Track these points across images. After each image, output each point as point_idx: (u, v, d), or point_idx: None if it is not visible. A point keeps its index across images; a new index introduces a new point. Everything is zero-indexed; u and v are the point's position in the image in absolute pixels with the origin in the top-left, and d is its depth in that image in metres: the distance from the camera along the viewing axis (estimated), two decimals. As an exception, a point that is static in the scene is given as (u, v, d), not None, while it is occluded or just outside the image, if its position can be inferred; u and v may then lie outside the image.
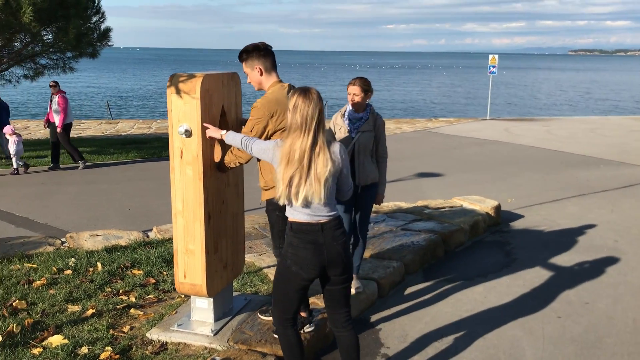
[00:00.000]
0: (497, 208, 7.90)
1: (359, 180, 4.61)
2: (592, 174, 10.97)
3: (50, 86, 11.29)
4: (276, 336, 3.72)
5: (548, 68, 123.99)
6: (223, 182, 3.96)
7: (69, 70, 13.07)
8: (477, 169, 11.82)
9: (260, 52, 3.76)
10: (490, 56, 22.02)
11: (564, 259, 6.36)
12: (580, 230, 7.58)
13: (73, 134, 13.09)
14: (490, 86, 23.01)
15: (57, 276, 5.07)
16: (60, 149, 11.66)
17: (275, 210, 3.88)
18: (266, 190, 3.88)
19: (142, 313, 4.36)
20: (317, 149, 3.04)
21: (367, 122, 4.65)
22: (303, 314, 4.04)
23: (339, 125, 4.64)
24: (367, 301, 4.89)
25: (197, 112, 3.59)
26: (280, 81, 3.86)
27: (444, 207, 7.82)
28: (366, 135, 4.63)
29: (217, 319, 4.10)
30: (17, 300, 4.48)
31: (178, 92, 3.60)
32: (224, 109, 3.91)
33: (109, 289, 4.84)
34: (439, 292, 5.33)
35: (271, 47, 3.82)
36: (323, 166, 3.04)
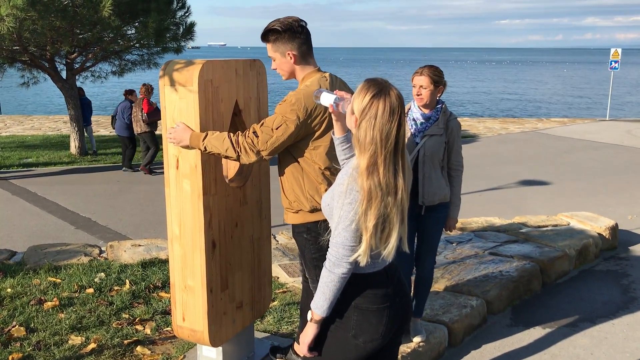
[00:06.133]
0: (614, 228, 6.46)
1: (424, 198, 3.57)
2: None
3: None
4: None
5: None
6: (237, 199, 3.09)
7: (153, 66, 12.89)
8: (591, 177, 10.19)
9: (296, 33, 2.79)
10: (612, 50, 19.69)
11: None
12: None
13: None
14: (612, 83, 20.60)
15: (76, 295, 4.47)
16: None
17: (303, 232, 2.94)
18: (292, 212, 2.96)
19: (149, 352, 3.60)
20: (400, 175, 2.04)
21: (436, 123, 3.59)
22: None
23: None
24: (432, 352, 3.83)
25: (195, 109, 2.74)
26: (319, 70, 2.91)
27: (547, 226, 6.51)
28: (435, 140, 3.57)
29: (229, 371, 3.25)
30: (17, 326, 3.89)
31: (172, 83, 2.77)
32: (239, 105, 3.03)
33: (126, 315, 4.14)
34: (530, 344, 4.15)
35: (306, 23, 2.85)
36: (407, 196, 2.08)
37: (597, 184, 9.70)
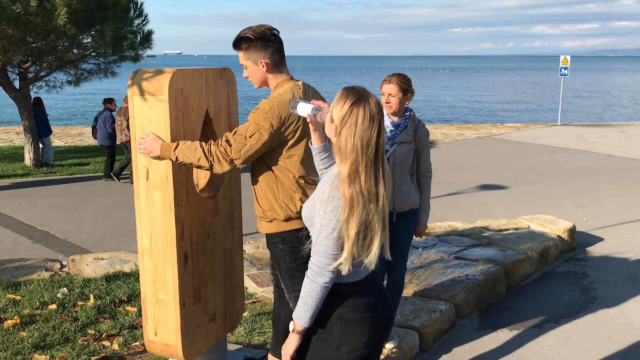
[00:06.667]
0: (572, 230, 6.66)
1: (395, 205, 3.59)
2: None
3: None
4: None
5: (624, 70, 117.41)
6: (208, 210, 3.05)
7: (110, 75, 12.63)
8: (547, 181, 10.49)
9: (268, 41, 2.77)
10: (562, 57, 20.33)
11: (660, 301, 5.10)
12: (677, 260, 6.25)
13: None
14: (562, 89, 21.28)
15: (38, 311, 4.32)
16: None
17: (277, 242, 2.91)
18: (266, 221, 2.93)
19: (117, 369, 3.51)
20: (382, 183, 2.04)
21: (405, 131, 3.63)
22: None
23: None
24: (405, 358, 3.85)
25: (166, 119, 2.70)
26: (292, 78, 2.90)
27: (508, 229, 6.65)
28: (404, 147, 3.61)
29: (203, 385, 3.20)
30: (-25, 347, 3.73)
31: (142, 92, 2.72)
32: (209, 115, 3.00)
33: (92, 331, 4.02)
34: (499, 346, 4.22)
35: (278, 32, 2.84)
36: (388, 203, 2.08)
37: (553, 187, 9.98)
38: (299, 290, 2.83)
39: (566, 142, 15.42)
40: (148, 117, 2.73)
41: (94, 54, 11.75)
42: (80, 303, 4.50)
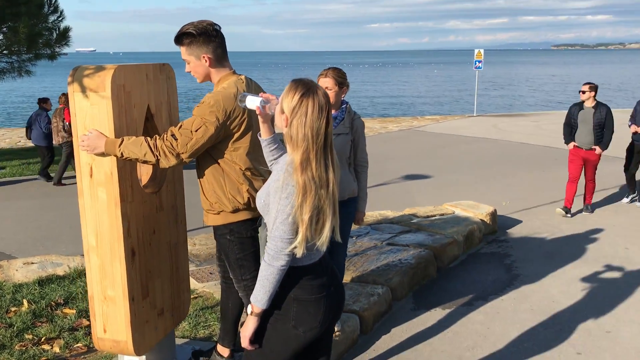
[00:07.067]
0: (493, 214, 7.08)
1: (333, 194, 3.73)
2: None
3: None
4: None
5: (532, 63, 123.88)
6: (153, 205, 3.07)
7: (25, 74, 12.06)
8: (468, 169, 11.01)
9: (211, 36, 2.82)
10: (476, 51, 21.28)
11: (573, 274, 5.54)
12: (586, 237, 6.78)
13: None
14: (477, 82, 22.26)
15: (-32, 320, 4.15)
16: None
17: (225, 234, 2.98)
18: (213, 214, 2.99)
19: (61, 371, 3.46)
20: (332, 170, 2.16)
21: (342, 123, 3.77)
22: (226, 353, 3.29)
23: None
24: (347, 341, 4.01)
25: (109, 116, 2.70)
26: (235, 72, 2.96)
27: (435, 215, 6.98)
28: (341, 139, 3.76)
29: (153, 379, 3.22)
30: None
31: (83, 89, 2.71)
32: (150, 110, 3.02)
33: (30, 336, 3.92)
34: (434, 324, 4.47)
35: (220, 27, 2.90)
36: (338, 188, 2.20)
37: (473, 174, 10.49)
38: (248, 279, 2.93)
39: (482, 131, 16.18)
40: (90, 114, 2.72)
41: (6, 52, 11.19)
42: (13, 309, 4.36)
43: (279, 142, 2.56)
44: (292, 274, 2.21)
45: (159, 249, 3.14)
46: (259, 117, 2.46)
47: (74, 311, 4.31)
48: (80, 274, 5.09)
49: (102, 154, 2.71)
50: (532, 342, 4.17)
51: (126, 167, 2.81)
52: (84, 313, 4.29)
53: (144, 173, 3.15)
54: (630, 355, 4.00)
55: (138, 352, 2.97)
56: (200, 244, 5.88)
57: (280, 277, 2.16)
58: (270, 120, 2.47)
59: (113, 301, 2.89)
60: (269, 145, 2.55)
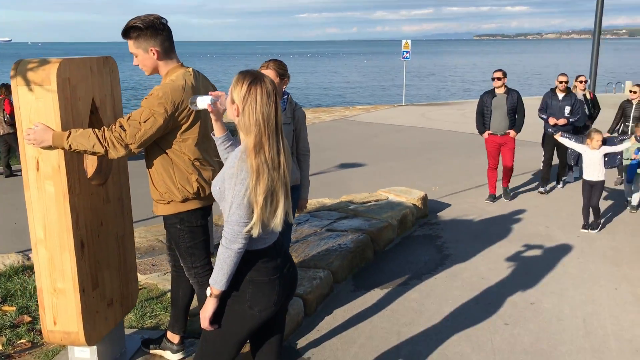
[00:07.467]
0: (424, 199, 7.42)
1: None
2: (513, 157, 10.74)
3: None
4: None
5: (456, 52, 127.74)
6: (100, 197, 3.10)
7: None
8: (399, 156, 11.39)
9: (158, 30, 2.88)
10: (404, 41, 21.84)
11: (499, 252, 5.94)
12: (510, 217, 7.24)
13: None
14: (405, 72, 22.86)
15: None
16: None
17: (176, 223, 3.05)
18: (163, 204, 3.05)
19: (7, 367, 3.43)
20: (283, 153, 2.29)
21: (284, 113, 3.90)
22: (176, 339, 3.40)
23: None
24: (292, 323, 4.17)
25: (55, 109, 2.71)
26: (182, 65, 3.03)
27: (370, 201, 7.24)
28: (284, 129, 3.87)
29: (104, 369, 3.26)
30: None
31: (27, 83, 2.71)
32: (95, 103, 3.04)
33: (-31, 335, 3.85)
34: (373, 304, 4.70)
35: (167, 21, 2.95)
36: (289, 171, 2.33)
37: (403, 162, 10.87)
38: (199, 266, 3.03)
39: (411, 120, 16.70)
40: (35, 107, 2.72)
41: None
42: (-52, 309, 4.24)
43: (233, 139, 2.67)
44: (248, 258, 2.34)
45: (107, 241, 3.17)
46: (211, 115, 2.55)
47: (14, 308, 4.24)
48: (17, 270, 4.98)
49: (50, 147, 2.73)
50: (464, 317, 4.48)
51: (73, 160, 2.84)
52: (25, 309, 4.24)
53: (90, 165, 3.17)
54: (551, 322, 4.37)
55: (89, 343, 3.01)
56: (140, 236, 5.87)
57: (237, 260, 2.28)
58: (222, 118, 2.57)
59: (63, 293, 2.92)
60: (223, 143, 2.64)
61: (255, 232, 2.25)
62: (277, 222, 2.31)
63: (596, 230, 6.64)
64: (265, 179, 2.22)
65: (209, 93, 2.54)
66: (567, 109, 8.10)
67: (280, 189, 2.28)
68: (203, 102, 2.52)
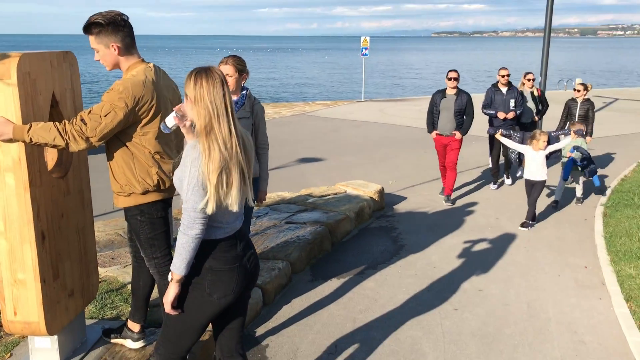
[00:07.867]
0: (381, 192, 7.62)
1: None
2: (465, 151, 11.07)
3: None
4: None
5: (414, 49, 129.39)
6: (60, 190, 3.15)
7: None
8: (357, 151, 11.60)
9: (119, 26, 2.95)
10: (362, 38, 22.06)
11: (452, 242, 6.18)
12: (463, 210, 7.52)
13: None
14: (364, 68, 23.12)
15: None
16: None
17: (136, 215, 3.13)
18: (123, 196, 3.12)
19: (-34, 359, 3.45)
20: (234, 132, 2.40)
21: (243, 108, 4.01)
22: (137, 328, 3.51)
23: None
24: (251, 312, 4.29)
25: (15, 103, 2.76)
26: (143, 60, 3.11)
27: (328, 195, 7.40)
28: (243, 123, 4.00)
29: (65, 359, 3.31)
30: None
31: (-14, 77, 2.74)
32: (55, 97, 3.09)
33: None
34: (330, 293, 4.86)
35: (128, 17, 3.03)
36: (242, 153, 2.42)
37: (362, 156, 11.08)
38: (159, 257, 3.13)
39: (370, 116, 16.95)
40: (-5, 101, 2.76)
41: None
42: None
43: None
44: (207, 247, 2.45)
45: (68, 233, 3.23)
46: (181, 129, 2.57)
47: (-29, 302, 4.23)
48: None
49: (10, 140, 2.77)
50: (416, 303, 4.68)
51: (34, 153, 2.89)
52: (-18, 303, 4.23)
53: (50, 158, 3.22)
54: (498, 307, 4.62)
55: (50, 332, 3.06)
56: (100, 230, 5.88)
57: (196, 246, 2.39)
58: (190, 126, 2.64)
59: (23, 284, 2.96)
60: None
61: (209, 209, 2.35)
62: (232, 202, 2.40)
63: (527, 229, 6.69)
64: (216, 157, 2.32)
65: (174, 108, 2.58)
66: (512, 102, 8.30)
67: (234, 169, 2.38)
68: (170, 120, 2.55)
